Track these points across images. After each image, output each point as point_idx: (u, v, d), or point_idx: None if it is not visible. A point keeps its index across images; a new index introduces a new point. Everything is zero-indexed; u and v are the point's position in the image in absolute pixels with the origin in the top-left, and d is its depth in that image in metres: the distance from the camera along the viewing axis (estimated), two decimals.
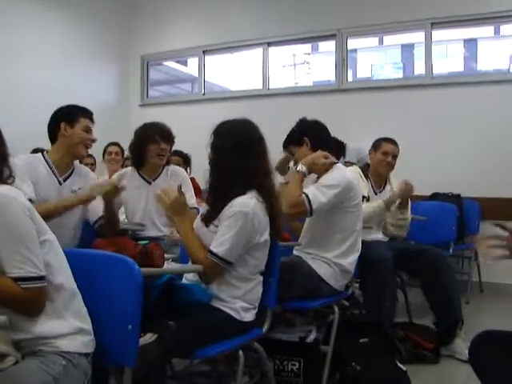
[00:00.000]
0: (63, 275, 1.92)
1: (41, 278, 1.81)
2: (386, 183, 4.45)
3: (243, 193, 2.56)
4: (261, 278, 2.68)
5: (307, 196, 3.21)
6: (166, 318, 2.29)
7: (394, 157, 4.38)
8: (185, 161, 5.44)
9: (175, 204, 2.72)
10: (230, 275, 2.58)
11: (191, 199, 3.94)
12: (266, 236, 2.62)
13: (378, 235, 4.28)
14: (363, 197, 4.14)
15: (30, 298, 1.80)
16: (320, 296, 3.28)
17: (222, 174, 2.66)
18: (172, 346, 2.22)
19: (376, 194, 4.38)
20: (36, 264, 1.80)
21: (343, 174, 3.38)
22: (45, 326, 1.83)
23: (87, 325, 1.94)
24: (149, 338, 2.15)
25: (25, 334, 1.81)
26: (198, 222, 2.75)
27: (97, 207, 3.47)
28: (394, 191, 4.35)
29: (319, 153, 3.38)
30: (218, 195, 2.67)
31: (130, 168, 4.21)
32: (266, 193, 2.62)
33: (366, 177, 4.38)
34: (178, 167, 4.32)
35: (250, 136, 2.69)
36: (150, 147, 3.96)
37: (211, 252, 2.52)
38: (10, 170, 1.92)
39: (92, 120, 3.47)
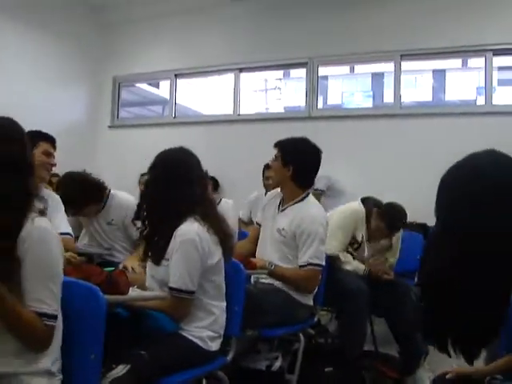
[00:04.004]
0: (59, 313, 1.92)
1: (57, 317, 1.84)
2: None
3: (182, 222, 2.54)
4: (224, 305, 2.67)
5: (310, 264, 3.33)
6: (136, 347, 2.27)
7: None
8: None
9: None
10: (194, 306, 2.55)
11: None
12: (219, 256, 2.61)
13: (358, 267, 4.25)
14: (356, 241, 4.18)
15: (47, 335, 1.82)
16: (298, 321, 3.34)
17: (157, 207, 2.64)
18: (145, 377, 2.20)
19: (370, 242, 4.35)
20: (59, 302, 1.83)
21: (323, 217, 3.50)
22: (25, 363, 1.81)
23: (58, 366, 1.91)
24: (121, 369, 2.13)
25: (3, 368, 1.79)
26: (149, 264, 2.71)
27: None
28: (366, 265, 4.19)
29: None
30: (156, 230, 2.64)
31: None
32: (207, 216, 2.60)
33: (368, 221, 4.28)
34: (125, 197, 4.09)
35: (178, 165, 2.66)
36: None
37: (172, 288, 2.49)
38: (44, 202, 1.91)
39: (53, 146, 3.49)
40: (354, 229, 4.15)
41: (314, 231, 3.35)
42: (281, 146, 3.57)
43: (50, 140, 3.51)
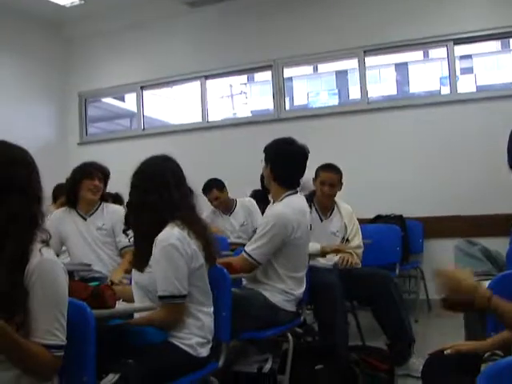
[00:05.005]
0: None
1: (64, 346, 1.83)
2: (333, 209, 4.50)
3: (162, 227, 2.55)
4: (211, 310, 2.67)
5: (246, 252, 3.33)
6: (124, 356, 2.26)
7: (332, 185, 4.40)
8: (115, 200, 5.46)
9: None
10: None
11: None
12: (201, 260, 2.61)
13: (324, 261, 4.30)
14: None
15: (55, 366, 1.82)
16: (276, 324, 3.30)
17: (138, 213, 2.66)
18: None
19: (322, 221, 4.42)
20: (65, 331, 1.83)
21: (272, 214, 3.44)
22: None
23: None
24: (111, 378, 2.12)
25: None
26: (134, 271, 2.71)
27: None
28: (333, 246, 4.25)
29: None
30: (139, 236, 2.68)
31: (61, 209, 4.28)
32: (186, 221, 2.60)
33: (311, 205, 4.40)
34: (116, 206, 4.35)
35: (158, 171, 2.67)
36: (84, 182, 4.04)
37: (164, 297, 2.49)
38: (46, 232, 1.91)
39: None
40: None
41: (265, 223, 3.40)
42: (265, 148, 3.61)
43: None
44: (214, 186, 5.82)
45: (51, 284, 1.79)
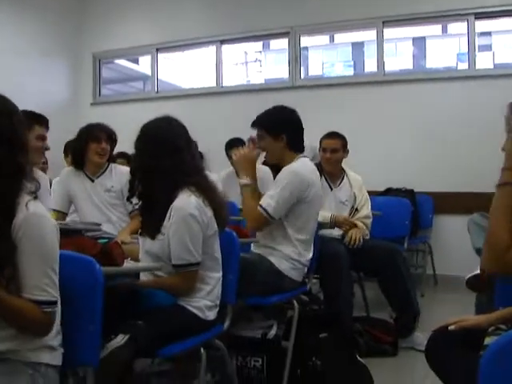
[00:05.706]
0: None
1: (56, 302, 1.81)
2: (343, 179, 4.48)
3: (176, 194, 2.51)
4: (219, 275, 2.66)
5: (261, 206, 3.26)
6: (134, 318, 2.27)
7: (334, 150, 4.39)
8: (129, 161, 5.43)
9: None
10: None
11: None
12: (215, 227, 2.60)
13: (333, 231, 4.31)
14: None
15: (47, 322, 1.80)
16: (281, 291, 3.29)
17: (147, 179, 2.59)
18: (143, 346, 2.20)
19: (331, 190, 4.41)
20: (57, 287, 1.80)
21: (289, 170, 3.37)
22: (27, 341, 1.79)
23: (59, 340, 1.90)
24: (121, 339, 2.14)
25: (5, 345, 1.76)
26: (142, 239, 2.68)
27: None
28: (342, 217, 4.30)
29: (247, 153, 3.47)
30: (151, 203, 2.61)
31: (69, 168, 4.21)
32: (200, 187, 2.55)
33: (320, 174, 4.40)
34: (123, 166, 4.31)
35: (166, 135, 2.59)
36: (91, 145, 3.98)
37: (181, 266, 2.48)
38: (35, 183, 1.86)
39: (47, 127, 3.44)
40: None
41: (281, 179, 3.34)
42: (260, 122, 3.49)
43: (44, 122, 3.46)
44: (241, 143, 5.76)
45: (39, 240, 1.75)
